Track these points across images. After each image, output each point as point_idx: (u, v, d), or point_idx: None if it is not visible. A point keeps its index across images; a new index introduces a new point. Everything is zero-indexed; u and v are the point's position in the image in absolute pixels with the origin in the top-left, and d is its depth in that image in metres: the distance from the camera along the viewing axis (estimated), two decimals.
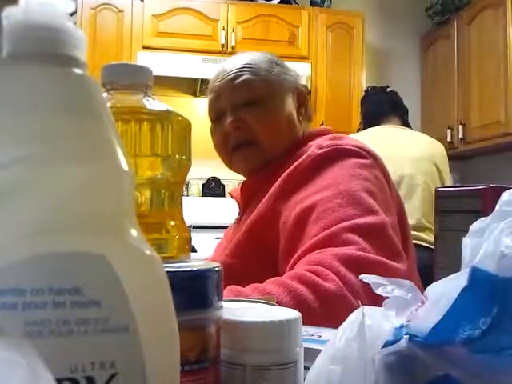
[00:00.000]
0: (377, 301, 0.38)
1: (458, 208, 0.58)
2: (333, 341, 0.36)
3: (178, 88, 3.89)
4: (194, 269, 0.38)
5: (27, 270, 0.24)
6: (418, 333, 0.33)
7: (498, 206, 0.33)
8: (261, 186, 1.03)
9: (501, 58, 3.42)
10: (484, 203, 0.55)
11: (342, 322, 0.37)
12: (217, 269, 0.39)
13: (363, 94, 2.75)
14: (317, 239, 0.83)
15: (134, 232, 0.28)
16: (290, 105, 1.08)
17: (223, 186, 3.91)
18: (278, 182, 0.97)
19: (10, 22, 0.28)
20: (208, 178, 3.87)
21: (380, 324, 0.35)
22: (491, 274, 0.30)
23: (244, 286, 0.76)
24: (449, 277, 0.33)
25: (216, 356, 0.38)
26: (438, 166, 2.26)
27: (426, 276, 0.70)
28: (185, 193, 3.69)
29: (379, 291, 0.36)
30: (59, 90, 0.28)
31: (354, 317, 0.36)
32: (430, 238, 1.94)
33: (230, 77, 1.05)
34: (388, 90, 2.50)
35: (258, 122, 1.03)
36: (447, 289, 0.32)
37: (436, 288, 0.35)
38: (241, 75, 1.04)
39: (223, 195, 3.85)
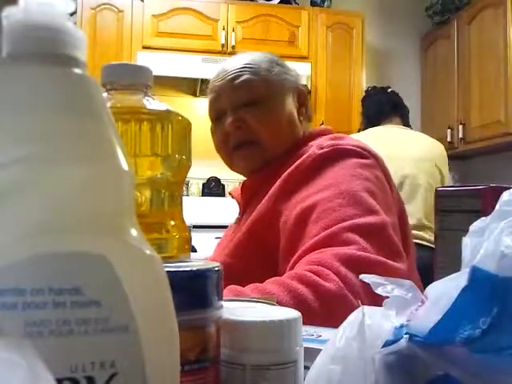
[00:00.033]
0: (377, 300, 0.38)
1: (458, 208, 0.58)
2: (333, 340, 0.36)
3: (177, 88, 3.89)
4: (194, 268, 0.38)
5: (27, 270, 0.24)
6: (418, 332, 0.33)
7: (498, 206, 0.33)
8: (261, 185, 1.03)
9: (501, 58, 3.42)
10: (484, 203, 0.55)
11: (342, 322, 0.37)
12: (217, 269, 0.39)
13: (363, 94, 2.75)
14: (317, 239, 0.83)
15: (134, 232, 0.28)
16: (291, 104, 1.08)
17: (223, 185, 3.91)
18: (278, 182, 0.97)
19: (10, 22, 0.28)
20: (208, 177, 3.87)
21: (380, 324, 0.35)
22: (491, 274, 0.30)
23: (244, 286, 0.76)
24: (449, 276, 0.33)
25: (216, 356, 0.38)
26: (439, 167, 2.27)
27: (426, 275, 0.70)
28: (185, 192, 3.69)
29: (379, 291, 0.36)
30: (59, 89, 0.28)
31: (353, 316, 0.36)
32: (431, 237, 1.94)
33: (230, 77, 1.05)
34: (389, 90, 2.50)
35: (259, 122, 1.03)
36: (447, 288, 0.32)
37: (436, 288, 0.35)
38: (241, 75, 1.04)
39: (223, 195, 3.85)
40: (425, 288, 0.36)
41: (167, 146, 0.48)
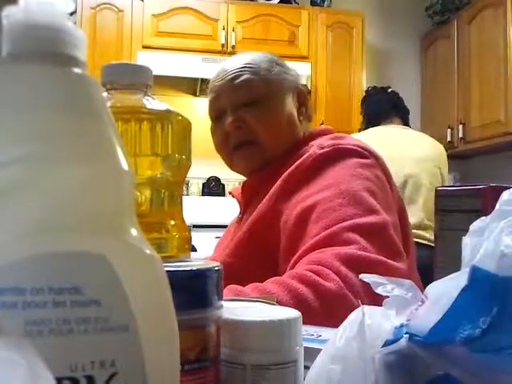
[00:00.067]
0: (377, 300, 0.38)
1: (458, 207, 0.58)
2: (333, 340, 0.36)
3: (177, 88, 3.89)
4: (194, 268, 0.38)
5: (27, 269, 0.24)
6: (417, 332, 0.33)
7: (497, 206, 0.33)
8: (262, 185, 1.03)
9: (501, 58, 3.42)
10: (484, 202, 0.55)
11: (342, 322, 0.37)
12: (217, 268, 0.39)
13: (364, 94, 2.75)
14: (317, 239, 0.83)
15: (133, 231, 0.28)
16: (291, 104, 1.08)
17: (223, 185, 3.91)
18: (278, 182, 0.97)
19: (10, 22, 0.28)
20: (208, 177, 3.87)
21: (380, 323, 0.35)
22: (491, 274, 0.30)
23: (244, 286, 0.76)
24: (449, 276, 0.33)
25: (216, 355, 0.38)
26: (440, 167, 2.28)
27: (426, 274, 0.71)
28: (185, 192, 3.69)
29: (379, 290, 0.36)
30: (59, 89, 0.28)
31: (354, 316, 0.36)
32: (432, 236, 1.94)
33: (230, 77, 1.05)
34: (389, 90, 2.50)
35: (259, 122, 1.03)
36: (447, 288, 0.32)
37: (436, 287, 0.35)
38: (241, 75, 1.04)
39: (223, 195, 3.85)
40: (425, 287, 0.36)
41: (167, 146, 0.48)
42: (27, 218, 0.25)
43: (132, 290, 0.26)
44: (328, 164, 0.95)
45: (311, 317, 0.60)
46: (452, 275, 0.33)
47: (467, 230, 0.34)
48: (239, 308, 0.44)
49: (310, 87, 3.70)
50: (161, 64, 3.49)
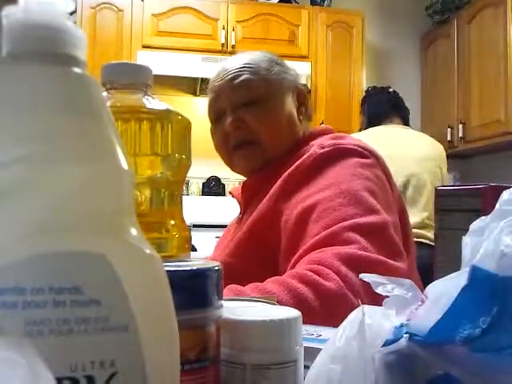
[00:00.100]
0: (377, 300, 0.38)
1: (458, 207, 0.58)
2: (333, 340, 0.36)
3: (177, 87, 3.89)
4: (194, 268, 0.38)
5: (27, 269, 0.24)
6: (418, 332, 0.33)
7: (498, 205, 0.33)
8: (262, 185, 1.03)
9: (501, 57, 3.42)
10: (484, 202, 0.55)
11: (342, 321, 0.37)
12: (217, 268, 0.39)
13: (364, 93, 2.76)
14: (318, 238, 0.83)
15: (133, 231, 0.28)
16: (290, 104, 1.08)
17: (223, 185, 3.91)
18: (279, 182, 0.97)
19: (10, 22, 0.28)
20: (208, 177, 3.87)
21: (380, 323, 0.35)
22: (491, 273, 0.30)
23: (244, 286, 0.76)
24: (449, 276, 0.33)
25: (216, 355, 0.38)
26: (441, 167, 2.29)
27: (426, 274, 0.71)
28: (185, 192, 3.69)
29: (379, 290, 0.36)
30: (59, 89, 0.28)
31: (354, 316, 0.36)
32: (433, 235, 1.95)
33: (229, 77, 1.05)
34: (390, 90, 2.51)
35: (258, 122, 1.03)
36: (447, 288, 0.32)
37: (436, 287, 0.35)
38: (240, 75, 1.04)
39: (223, 194, 3.85)
40: (425, 287, 0.36)
41: (167, 146, 0.48)
42: (27, 218, 0.25)
43: (132, 289, 0.26)
44: (328, 164, 0.95)
45: (311, 316, 0.60)
46: (452, 275, 0.33)
47: (467, 230, 0.34)
48: (239, 308, 0.44)
49: (310, 87, 3.70)
50: (161, 64, 3.49)
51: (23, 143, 0.26)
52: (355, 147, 0.98)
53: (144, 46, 3.62)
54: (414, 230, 1.76)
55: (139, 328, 0.26)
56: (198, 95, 3.88)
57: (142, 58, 3.50)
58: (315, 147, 0.99)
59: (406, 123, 2.44)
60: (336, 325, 0.38)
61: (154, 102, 0.50)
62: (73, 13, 3.38)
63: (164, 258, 0.30)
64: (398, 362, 0.34)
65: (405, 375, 0.34)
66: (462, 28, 3.87)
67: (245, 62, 1.06)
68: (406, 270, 0.82)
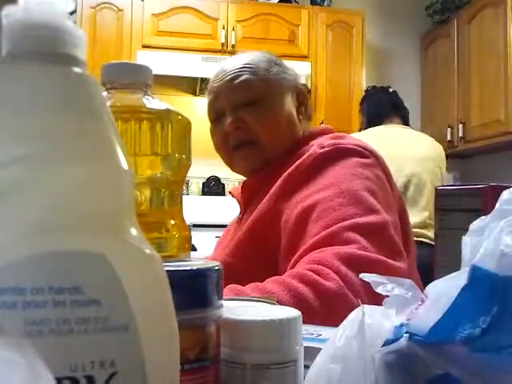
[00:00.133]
0: (377, 300, 0.38)
1: (458, 207, 0.58)
2: (333, 339, 0.36)
3: (177, 87, 3.89)
4: (194, 268, 0.38)
5: (27, 269, 0.24)
6: (418, 331, 0.33)
7: (497, 205, 0.33)
8: (262, 185, 1.03)
9: (501, 57, 3.42)
10: (484, 202, 0.55)
11: (342, 321, 0.37)
12: (217, 268, 0.39)
13: (363, 93, 2.76)
14: (318, 238, 0.83)
15: (133, 231, 0.28)
16: (290, 104, 1.08)
17: (223, 184, 3.91)
18: (279, 182, 0.97)
19: (10, 21, 0.28)
20: (208, 176, 3.87)
21: (380, 323, 0.35)
22: (491, 273, 0.30)
23: (244, 285, 0.76)
24: (449, 275, 0.33)
25: (216, 355, 0.38)
26: (441, 167, 2.30)
27: (427, 273, 0.71)
28: (185, 192, 3.69)
29: (379, 290, 0.36)
30: (59, 89, 0.28)
31: (354, 315, 0.36)
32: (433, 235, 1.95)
33: (229, 77, 1.05)
34: (390, 90, 2.51)
35: (258, 122, 1.03)
36: (447, 287, 0.32)
37: (436, 287, 0.35)
38: (240, 75, 1.04)
39: (223, 194, 3.85)
40: (425, 286, 0.36)
41: (167, 145, 0.48)
42: (27, 217, 0.25)
43: (132, 289, 0.26)
44: (328, 163, 0.95)
45: (311, 316, 0.60)
46: (452, 274, 0.33)
47: (467, 230, 0.34)
48: (239, 307, 0.44)
49: (309, 86, 3.70)
50: (161, 63, 3.49)
51: (23, 143, 0.26)
52: (355, 147, 0.98)
53: (144, 46, 3.62)
54: (415, 230, 1.76)
55: (139, 328, 0.26)
56: (198, 95, 3.88)
57: (142, 57, 3.50)
58: (315, 147, 0.99)
59: (405, 123, 2.44)
60: (336, 324, 0.38)
61: (154, 102, 0.50)
62: (73, 12, 3.38)
63: (164, 257, 0.30)
64: (397, 362, 0.34)
65: (405, 375, 0.34)
66: (462, 28, 3.87)
67: (244, 62, 1.06)
68: (405, 270, 0.82)
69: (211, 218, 3.24)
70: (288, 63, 1.16)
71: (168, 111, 0.50)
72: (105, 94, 0.49)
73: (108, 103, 0.47)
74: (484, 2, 3.63)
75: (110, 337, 0.25)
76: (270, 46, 3.46)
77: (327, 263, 0.77)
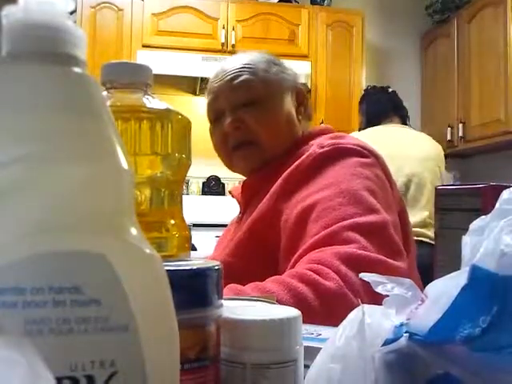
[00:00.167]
0: (377, 299, 0.38)
1: (458, 206, 0.58)
2: (333, 339, 0.36)
3: (177, 86, 3.89)
4: (194, 267, 0.38)
5: (27, 269, 0.24)
6: (417, 331, 0.33)
7: (497, 205, 0.33)
8: (261, 185, 1.03)
9: (501, 57, 3.42)
10: (484, 201, 0.55)
11: (341, 321, 0.37)
12: (217, 267, 0.39)
13: (362, 92, 2.76)
14: (317, 238, 0.83)
15: (133, 231, 0.28)
16: (289, 104, 1.08)
17: (223, 184, 3.91)
18: (278, 182, 0.97)
19: (10, 21, 0.28)
20: (208, 176, 3.87)
21: (380, 322, 0.35)
22: (491, 273, 0.30)
23: (244, 285, 0.76)
24: (449, 275, 0.33)
25: (216, 354, 0.38)
26: (440, 166, 2.30)
27: (427, 273, 0.71)
28: (185, 191, 3.69)
29: (379, 289, 0.36)
30: (59, 88, 0.28)
31: (353, 315, 0.36)
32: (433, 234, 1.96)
33: (228, 77, 1.05)
34: (389, 90, 2.51)
35: (257, 122, 1.03)
36: (447, 287, 0.32)
37: (436, 286, 0.35)
38: (239, 75, 1.04)
39: (223, 194, 3.85)
40: (425, 286, 0.36)
41: (167, 145, 0.48)
42: (27, 217, 0.25)
43: (132, 289, 0.26)
44: (328, 163, 0.95)
45: (311, 316, 0.60)
46: (452, 274, 0.33)
47: (467, 229, 0.34)
48: (239, 307, 0.44)
49: (309, 86, 3.70)
50: (161, 63, 3.49)
51: (23, 143, 0.26)
52: (355, 147, 0.98)
53: (144, 46, 3.62)
54: (415, 229, 1.77)
55: (139, 327, 0.26)
56: (198, 94, 3.88)
57: (142, 57, 3.50)
58: (314, 147, 0.99)
59: (404, 123, 2.45)
60: (336, 324, 0.38)
61: (154, 102, 0.50)
62: (73, 12, 3.38)
63: (164, 257, 0.30)
64: (397, 362, 0.34)
65: (405, 374, 0.34)
66: (462, 27, 3.87)
67: (243, 62, 1.06)
68: (405, 270, 0.82)
69: (211, 218, 3.24)
70: (288, 63, 1.16)
71: (168, 111, 0.50)
72: (105, 93, 0.49)
73: (108, 103, 0.47)
74: (484, 2, 3.63)
75: (110, 336, 0.25)
76: (270, 45, 3.46)
77: (327, 263, 0.77)
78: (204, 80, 3.44)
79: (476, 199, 0.56)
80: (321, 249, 0.81)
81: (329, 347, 0.36)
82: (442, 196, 0.61)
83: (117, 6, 3.63)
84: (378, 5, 4.33)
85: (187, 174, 0.55)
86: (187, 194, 3.80)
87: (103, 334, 0.25)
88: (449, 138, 3.90)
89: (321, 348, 0.37)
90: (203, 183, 3.92)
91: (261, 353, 0.39)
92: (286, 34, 3.80)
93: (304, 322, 0.43)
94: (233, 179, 3.35)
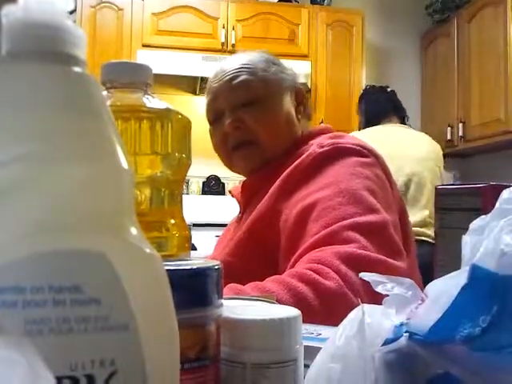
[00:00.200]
0: (377, 299, 0.38)
1: (458, 206, 0.58)
2: (333, 339, 0.36)
3: (177, 86, 3.89)
4: (194, 267, 0.38)
5: (27, 268, 0.24)
6: (417, 331, 0.33)
7: (497, 204, 0.33)
8: (261, 185, 1.03)
9: (501, 56, 3.42)
10: (484, 201, 0.55)
11: (341, 320, 0.37)
12: (217, 267, 0.39)
13: (361, 92, 2.76)
14: (317, 237, 0.83)
15: (133, 230, 0.28)
16: (289, 104, 1.08)
17: (223, 184, 3.91)
18: (278, 181, 0.97)
19: (10, 20, 0.28)
20: (208, 176, 3.87)
21: (380, 322, 0.35)
22: (491, 272, 0.30)
23: (244, 285, 0.76)
24: (449, 275, 0.33)
25: (216, 354, 0.38)
26: (439, 166, 2.30)
27: (427, 272, 0.71)
28: (185, 191, 3.69)
29: (379, 289, 0.36)
30: (59, 88, 0.28)
31: (353, 315, 0.36)
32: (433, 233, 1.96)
33: (227, 77, 1.05)
34: (388, 89, 2.51)
35: (257, 122, 1.03)
36: (447, 287, 0.32)
37: (436, 286, 0.35)
38: (238, 75, 1.04)
39: (223, 193, 3.85)
40: (425, 285, 0.36)
41: (167, 145, 0.48)
42: (27, 217, 0.25)
43: (132, 288, 0.26)
44: (328, 163, 0.95)
45: (311, 315, 0.60)
46: (452, 274, 0.33)
47: (467, 229, 0.34)
48: (239, 307, 0.44)
49: (309, 86, 3.70)
50: (161, 63, 3.49)
51: (23, 142, 0.26)
52: (354, 146, 0.98)
53: (144, 45, 3.62)
54: (415, 229, 1.77)
55: (139, 327, 0.26)
56: (198, 94, 3.88)
57: (142, 57, 3.50)
58: (314, 146, 0.99)
59: (402, 123, 2.45)
60: (336, 324, 0.38)
61: (154, 101, 0.50)
62: (73, 11, 3.38)
63: (164, 257, 0.30)
64: (397, 361, 0.34)
65: (405, 374, 0.34)
66: (462, 27, 3.87)
67: (242, 62, 1.06)
68: (405, 269, 0.82)
69: (211, 218, 3.24)
70: (288, 62, 1.16)
71: (168, 110, 0.50)
72: (105, 93, 0.49)
73: (108, 102, 0.47)
74: (484, 1, 3.63)
75: (110, 336, 0.25)
76: (270, 45, 3.46)
77: (327, 262, 0.77)
78: (204, 80, 3.44)
79: (476, 199, 0.56)
80: (321, 248, 0.81)
81: (329, 347, 0.36)
82: (442, 195, 0.61)
83: (117, 6, 3.63)
84: (378, 4, 4.33)
85: (187, 174, 0.55)
86: (187, 194, 3.80)
87: (103, 334, 0.25)
88: (449, 137, 3.90)
89: (321, 348, 0.37)
90: (203, 183, 3.92)
91: (261, 352, 0.39)
92: (286, 33, 3.80)
93: (304, 321, 0.43)
94: (233, 179, 3.35)
